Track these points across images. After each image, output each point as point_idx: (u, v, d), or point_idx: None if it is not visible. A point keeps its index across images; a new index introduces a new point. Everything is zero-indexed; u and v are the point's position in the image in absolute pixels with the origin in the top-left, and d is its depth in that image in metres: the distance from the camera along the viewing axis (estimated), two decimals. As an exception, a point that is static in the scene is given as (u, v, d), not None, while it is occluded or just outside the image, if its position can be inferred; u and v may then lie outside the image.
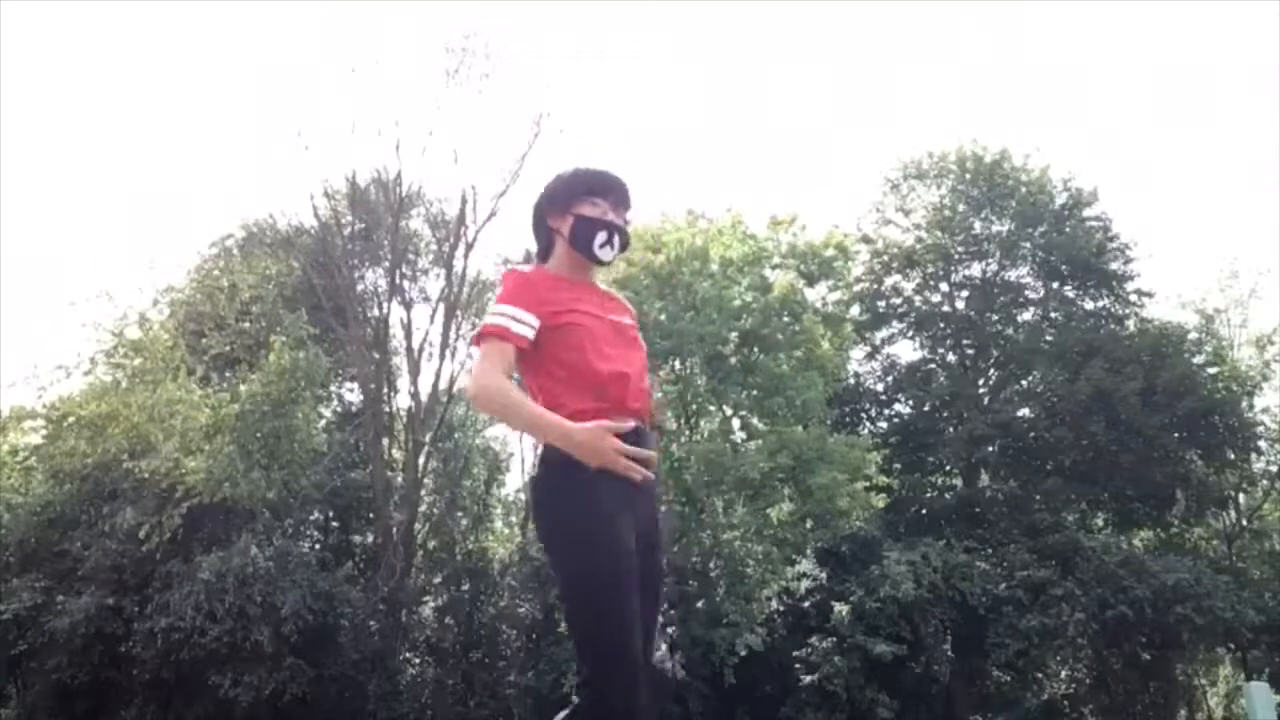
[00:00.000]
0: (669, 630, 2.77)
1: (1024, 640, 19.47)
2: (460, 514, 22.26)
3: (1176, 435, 22.32)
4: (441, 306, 22.06)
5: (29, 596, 17.99)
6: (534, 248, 2.87)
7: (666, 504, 17.77)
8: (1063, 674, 23.54)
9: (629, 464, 2.42)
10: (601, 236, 2.66)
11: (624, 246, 2.73)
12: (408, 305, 22.98)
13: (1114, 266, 24.49)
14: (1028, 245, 24.83)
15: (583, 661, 2.41)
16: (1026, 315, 25.40)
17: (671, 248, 19.89)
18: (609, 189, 2.72)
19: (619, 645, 2.34)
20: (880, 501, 22.67)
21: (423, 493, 21.47)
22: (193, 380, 19.28)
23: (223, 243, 23.80)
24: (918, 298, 25.64)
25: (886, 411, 25.68)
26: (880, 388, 25.86)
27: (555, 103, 24.90)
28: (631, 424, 2.53)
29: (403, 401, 22.46)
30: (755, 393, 19.81)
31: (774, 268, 21.19)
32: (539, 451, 2.57)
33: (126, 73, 44.56)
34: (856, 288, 24.50)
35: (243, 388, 18.36)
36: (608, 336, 2.61)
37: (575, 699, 2.42)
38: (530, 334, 2.52)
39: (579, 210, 2.68)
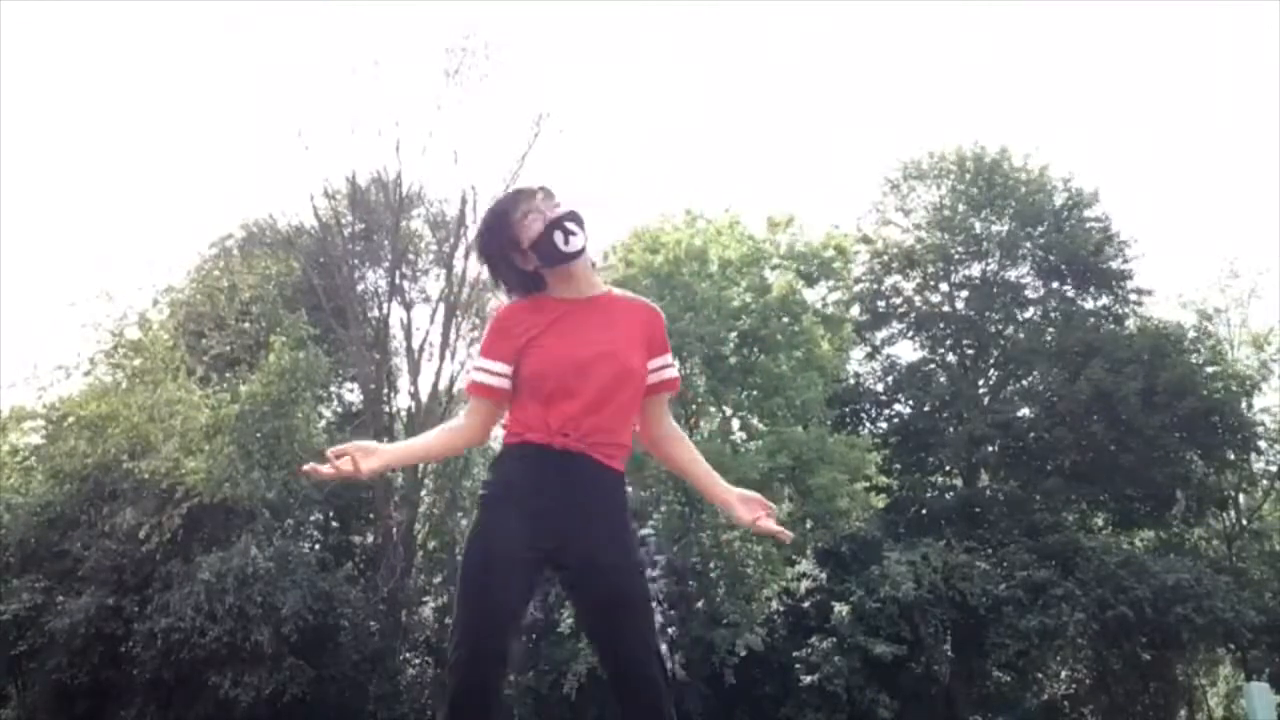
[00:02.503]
0: (668, 630, 2.88)
1: (1024, 640, 19.48)
2: (460, 514, 22.23)
3: (1176, 435, 22.33)
4: (441, 307, 22.08)
5: (29, 596, 17.97)
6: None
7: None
8: (1063, 674, 23.55)
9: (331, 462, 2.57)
10: (558, 237, 2.56)
11: (579, 221, 2.59)
12: (408, 305, 23.01)
13: (1113, 265, 24.51)
14: (1028, 245, 24.84)
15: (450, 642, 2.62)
16: (1026, 315, 25.41)
17: (670, 248, 19.91)
18: (521, 197, 2.63)
19: (466, 632, 2.52)
20: (880, 501, 22.67)
21: (423, 493, 21.46)
22: (193, 380, 19.27)
23: (223, 243, 23.81)
24: (918, 298, 25.65)
25: (886, 412, 25.70)
26: (880, 388, 25.87)
27: (555, 103, 24.89)
28: (545, 442, 2.58)
29: (403, 402, 22.50)
30: (755, 393, 19.82)
31: (773, 268, 21.20)
32: None
33: (127, 73, 44.59)
34: (856, 288, 24.51)
35: (243, 388, 18.35)
36: (563, 370, 2.58)
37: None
38: (506, 383, 2.63)
39: (524, 238, 2.59)
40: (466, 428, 2.70)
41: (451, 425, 2.75)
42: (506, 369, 2.60)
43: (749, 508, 2.69)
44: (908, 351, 25.80)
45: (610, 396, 2.59)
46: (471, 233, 21.90)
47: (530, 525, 2.54)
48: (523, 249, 2.60)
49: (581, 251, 2.60)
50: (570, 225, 2.56)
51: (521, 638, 16.76)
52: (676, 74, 50.85)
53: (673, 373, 2.74)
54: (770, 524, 2.66)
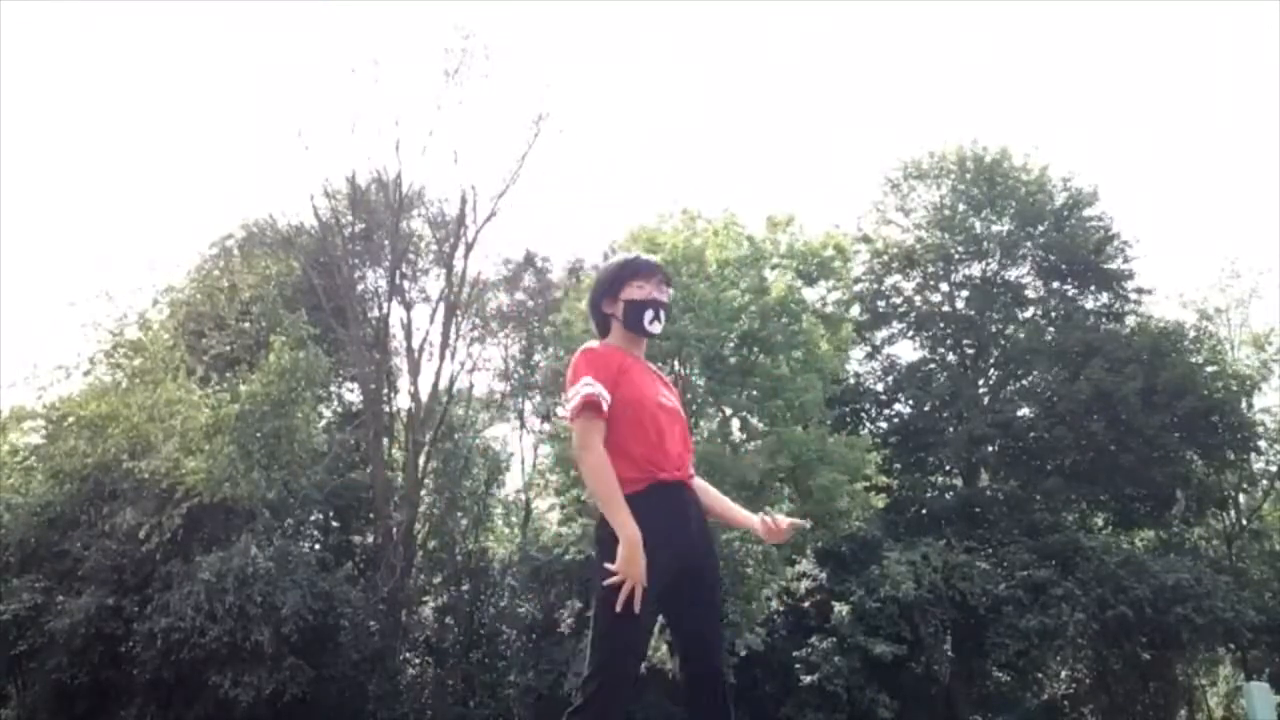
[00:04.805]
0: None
1: (1024, 640, 19.47)
2: (460, 514, 22.23)
3: (1176, 435, 22.33)
4: (441, 306, 22.06)
5: (29, 596, 17.93)
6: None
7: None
8: (1063, 674, 23.55)
9: (633, 589, 2.77)
10: (649, 314, 3.13)
11: (666, 318, 3.22)
12: (408, 305, 22.99)
13: (1113, 264, 24.52)
14: (1028, 245, 24.85)
15: (590, 662, 2.89)
16: (1026, 315, 25.41)
17: (669, 250, 19.86)
18: (651, 271, 3.20)
19: (615, 658, 2.85)
20: (880, 501, 22.65)
21: (423, 493, 21.45)
22: (193, 380, 19.24)
23: (223, 243, 23.76)
24: (918, 298, 25.66)
25: (886, 411, 25.70)
26: (880, 388, 25.87)
27: (555, 103, 24.90)
28: (675, 479, 3.02)
29: (403, 401, 22.48)
30: (754, 394, 19.79)
31: (772, 268, 21.16)
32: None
33: (127, 73, 44.59)
34: (856, 288, 24.49)
35: (243, 388, 18.32)
36: (654, 405, 3.06)
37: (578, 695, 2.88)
38: (606, 405, 2.98)
39: (628, 295, 3.14)
40: (603, 446, 2.95)
41: (606, 458, 2.91)
42: (608, 395, 2.99)
43: (767, 529, 3.17)
44: (908, 351, 25.86)
45: (688, 434, 3.16)
46: (471, 233, 21.96)
47: (673, 556, 2.90)
48: (616, 298, 3.16)
49: (654, 337, 3.22)
50: (662, 313, 3.18)
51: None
52: (675, 74, 50.88)
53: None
54: (784, 521, 3.15)
